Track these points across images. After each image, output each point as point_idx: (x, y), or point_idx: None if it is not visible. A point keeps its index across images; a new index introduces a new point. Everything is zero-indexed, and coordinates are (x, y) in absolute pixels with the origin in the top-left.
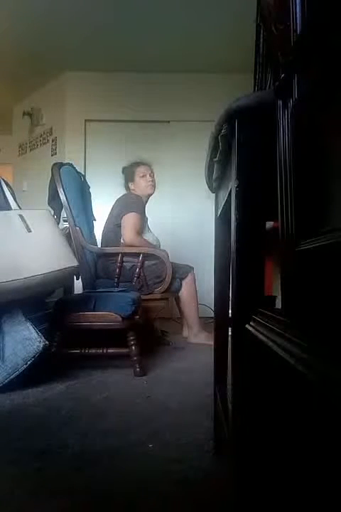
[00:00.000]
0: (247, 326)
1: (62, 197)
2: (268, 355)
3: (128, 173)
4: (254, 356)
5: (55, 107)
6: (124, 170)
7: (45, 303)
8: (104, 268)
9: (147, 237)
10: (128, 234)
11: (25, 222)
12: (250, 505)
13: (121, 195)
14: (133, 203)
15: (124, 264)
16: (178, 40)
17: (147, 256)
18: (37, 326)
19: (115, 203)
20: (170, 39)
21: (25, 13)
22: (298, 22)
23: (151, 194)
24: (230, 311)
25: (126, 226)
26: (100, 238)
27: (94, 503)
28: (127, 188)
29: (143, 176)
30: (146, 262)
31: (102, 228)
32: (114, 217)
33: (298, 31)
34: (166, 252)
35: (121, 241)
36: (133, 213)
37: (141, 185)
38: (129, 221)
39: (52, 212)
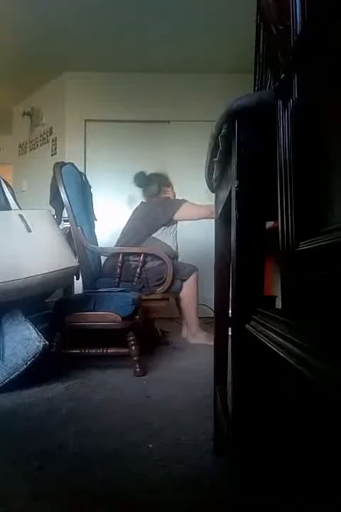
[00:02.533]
0: (247, 326)
1: (64, 196)
2: (268, 355)
3: (164, 180)
4: (254, 356)
5: (55, 107)
6: (157, 176)
7: (45, 303)
8: (111, 267)
9: (167, 240)
10: (201, 210)
11: (25, 222)
12: (249, 506)
13: (143, 200)
14: (175, 200)
15: (130, 262)
16: (178, 40)
17: (149, 256)
18: (37, 326)
19: (145, 206)
20: (170, 39)
21: (25, 13)
22: (298, 22)
23: None
24: (230, 311)
25: (192, 211)
26: (104, 239)
27: (94, 503)
28: (160, 190)
29: (172, 191)
30: (150, 263)
31: (107, 229)
32: (158, 218)
33: (298, 31)
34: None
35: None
36: (185, 204)
37: (173, 196)
38: (190, 207)
39: (53, 211)
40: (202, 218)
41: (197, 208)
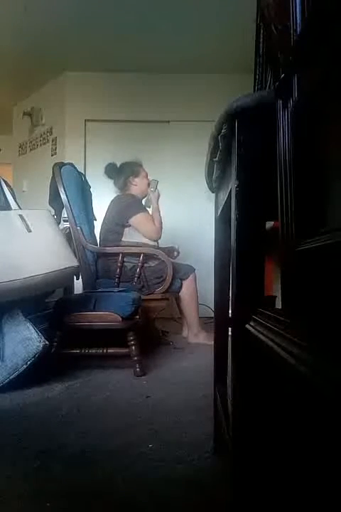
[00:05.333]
0: (247, 326)
1: (63, 197)
2: (268, 355)
3: (132, 169)
4: (254, 356)
5: (55, 107)
6: (126, 165)
7: (45, 303)
8: (104, 268)
9: (136, 238)
10: (152, 231)
11: (25, 222)
12: (249, 506)
13: (116, 195)
14: (136, 203)
15: (125, 264)
16: (178, 40)
17: (148, 257)
18: (37, 326)
19: (112, 203)
20: (170, 39)
21: (25, 13)
22: (298, 22)
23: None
24: (230, 311)
25: (144, 227)
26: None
27: (94, 503)
28: (127, 183)
29: (145, 177)
30: (147, 263)
31: (99, 229)
32: (114, 217)
33: (298, 31)
34: (176, 248)
35: (146, 241)
36: (140, 214)
37: (143, 185)
38: (144, 221)
39: (53, 212)
40: (154, 239)
41: (152, 227)
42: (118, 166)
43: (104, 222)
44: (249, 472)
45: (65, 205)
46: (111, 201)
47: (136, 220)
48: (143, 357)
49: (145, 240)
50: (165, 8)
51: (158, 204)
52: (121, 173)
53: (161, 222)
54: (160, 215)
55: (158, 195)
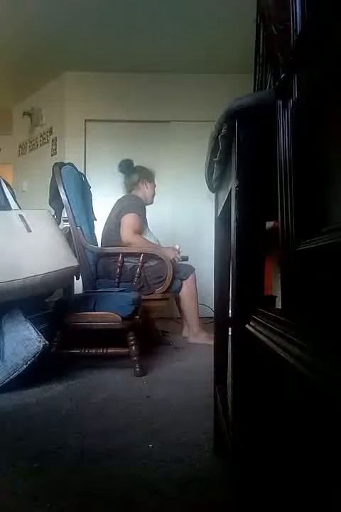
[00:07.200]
0: (247, 326)
1: (63, 197)
2: (268, 355)
3: (149, 173)
4: (254, 356)
5: (55, 107)
6: (142, 168)
7: (45, 303)
8: (104, 268)
9: (147, 237)
10: (125, 233)
11: (25, 222)
12: (249, 506)
13: (122, 195)
14: (133, 205)
15: (125, 264)
16: (178, 40)
17: (148, 257)
18: (37, 326)
19: (116, 202)
20: (170, 39)
21: (25, 13)
22: (298, 22)
23: (151, 204)
24: (230, 311)
25: (124, 226)
26: (100, 238)
27: (94, 503)
28: (139, 183)
29: (154, 187)
30: (147, 262)
31: (102, 228)
32: (115, 216)
33: (298, 31)
34: (175, 248)
35: (147, 240)
36: (132, 214)
37: (151, 192)
38: (127, 221)
39: (53, 212)
40: (128, 245)
41: (129, 230)
42: (134, 164)
43: (106, 222)
44: (248, 472)
45: (65, 205)
46: (117, 200)
47: (123, 218)
48: (143, 357)
49: (152, 240)
50: (165, 8)
51: (167, 253)
52: (135, 172)
53: (145, 245)
54: (153, 244)
55: (174, 258)
